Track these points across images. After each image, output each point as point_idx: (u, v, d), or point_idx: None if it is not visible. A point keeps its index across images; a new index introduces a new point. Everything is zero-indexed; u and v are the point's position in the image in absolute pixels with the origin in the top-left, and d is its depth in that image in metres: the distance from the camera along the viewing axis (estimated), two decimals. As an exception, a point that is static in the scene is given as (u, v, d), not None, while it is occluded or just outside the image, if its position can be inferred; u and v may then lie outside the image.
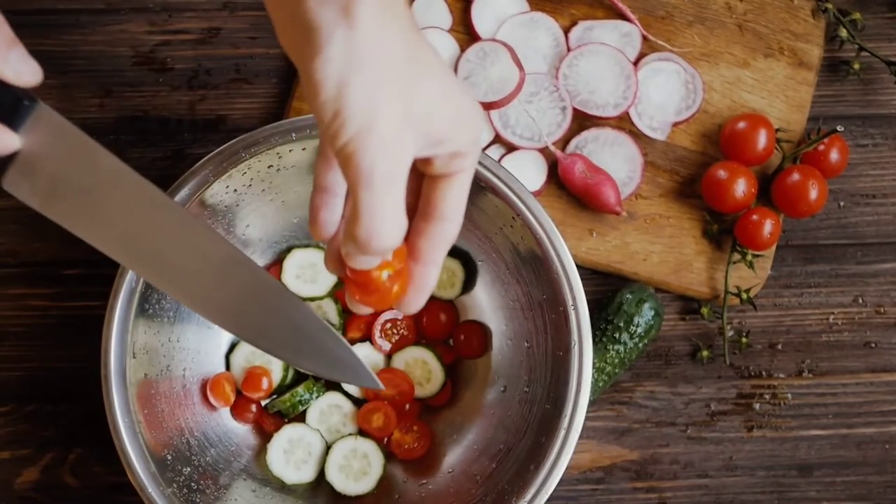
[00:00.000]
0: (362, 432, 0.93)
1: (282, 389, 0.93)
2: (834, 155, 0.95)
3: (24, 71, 0.67)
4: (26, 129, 0.68)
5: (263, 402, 0.93)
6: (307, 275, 0.92)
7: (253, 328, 0.69)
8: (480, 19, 0.97)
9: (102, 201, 0.68)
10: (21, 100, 0.67)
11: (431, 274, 0.66)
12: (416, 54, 0.61)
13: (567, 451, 0.82)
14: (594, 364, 0.93)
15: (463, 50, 0.96)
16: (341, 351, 0.69)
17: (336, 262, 0.66)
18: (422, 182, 0.65)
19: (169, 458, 0.83)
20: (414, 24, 0.62)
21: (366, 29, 0.58)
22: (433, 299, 0.94)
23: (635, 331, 0.94)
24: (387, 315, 0.94)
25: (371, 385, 0.69)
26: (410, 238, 0.65)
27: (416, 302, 0.66)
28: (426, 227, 0.65)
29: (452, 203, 0.65)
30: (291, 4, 0.59)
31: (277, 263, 0.93)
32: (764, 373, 0.98)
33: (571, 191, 0.95)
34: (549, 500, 0.82)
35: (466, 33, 0.97)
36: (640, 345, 0.94)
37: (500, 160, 0.95)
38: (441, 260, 0.66)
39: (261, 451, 0.92)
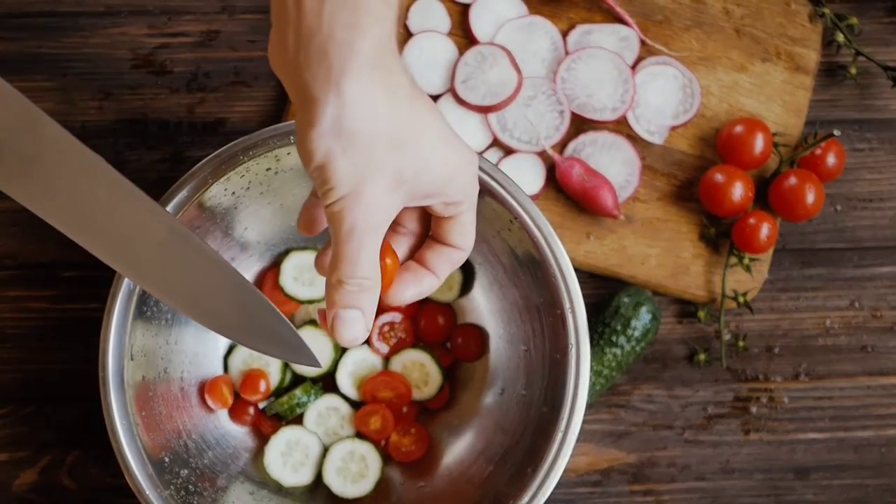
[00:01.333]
0: (360, 435, 0.93)
1: (279, 392, 0.93)
2: (831, 159, 0.96)
3: None
4: None
5: (261, 405, 0.93)
6: (305, 277, 0.93)
7: (193, 302, 0.69)
8: (479, 23, 0.97)
9: (46, 170, 0.67)
10: None
11: (430, 282, 0.70)
12: (407, 114, 0.63)
13: (564, 453, 0.82)
14: (591, 367, 0.93)
15: (461, 53, 0.97)
16: (282, 327, 0.69)
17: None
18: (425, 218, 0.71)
19: (167, 460, 0.83)
20: (406, 78, 0.64)
21: (354, 102, 0.61)
22: (431, 302, 0.95)
23: (632, 334, 0.94)
24: (385, 318, 0.94)
25: (311, 363, 0.70)
26: (422, 250, 0.70)
27: (403, 296, 0.70)
28: (436, 246, 0.70)
29: (458, 237, 0.69)
30: (292, 75, 0.62)
31: (275, 266, 0.93)
32: (761, 376, 0.98)
33: (569, 194, 0.95)
34: (546, 502, 0.82)
35: (465, 37, 0.98)
36: (638, 348, 0.95)
37: (497, 163, 0.96)
38: (444, 276, 0.71)
39: (258, 453, 0.92)
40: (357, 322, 0.66)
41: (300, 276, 0.93)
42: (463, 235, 0.69)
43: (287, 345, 0.69)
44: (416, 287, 0.70)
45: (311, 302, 0.93)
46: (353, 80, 0.61)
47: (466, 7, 0.98)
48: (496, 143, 0.96)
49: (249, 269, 0.93)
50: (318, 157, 0.62)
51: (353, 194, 0.62)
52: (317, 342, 0.92)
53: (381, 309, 0.91)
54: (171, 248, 0.68)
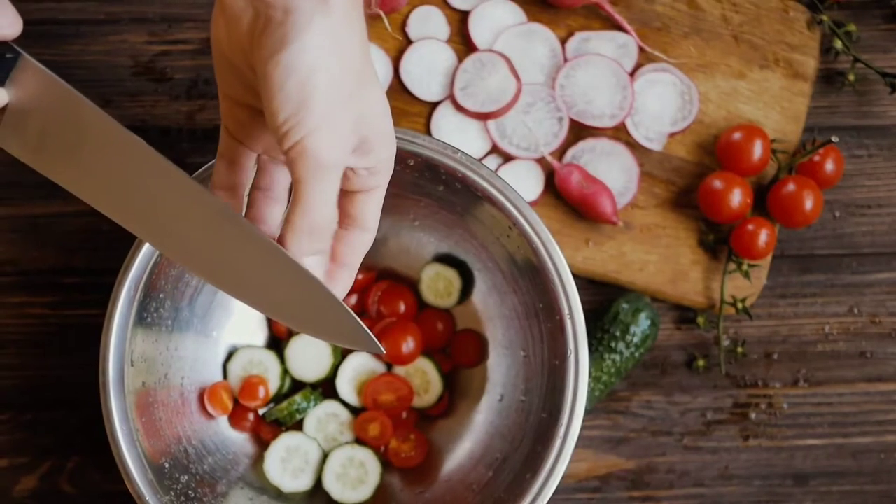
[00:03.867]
0: (359, 441, 0.93)
1: (279, 398, 0.93)
2: (829, 165, 0.96)
3: (1, 24, 0.65)
4: (12, 82, 0.66)
5: (261, 411, 0.94)
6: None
7: (246, 287, 0.66)
8: (478, 30, 0.98)
9: (89, 155, 0.66)
10: (3, 53, 0.65)
11: (347, 275, 0.68)
12: (367, 61, 0.62)
13: (563, 460, 0.82)
14: (590, 373, 0.93)
15: (461, 61, 0.97)
16: (337, 311, 0.65)
17: None
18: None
19: (167, 466, 0.84)
20: (366, 31, 0.63)
21: (338, 22, 0.59)
22: (430, 308, 0.95)
23: (631, 340, 0.94)
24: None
25: (371, 350, 0.66)
26: (332, 243, 0.67)
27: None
28: (345, 234, 0.67)
29: (369, 215, 0.67)
30: None
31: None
32: (760, 382, 0.98)
33: (568, 201, 0.96)
34: (545, 508, 0.83)
35: (464, 44, 0.98)
36: (637, 354, 0.95)
37: (497, 170, 0.96)
38: (357, 265, 0.68)
39: (258, 459, 0.92)
40: (320, 265, 0.64)
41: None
42: (374, 213, 0.67)
43: (344, 330, 0.65)
44: (338, 283, 0.67)
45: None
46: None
47: (465, 14, 0.98)
48: (495, 149, 0.97)
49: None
50: (299, 74, 0.59)
51: (329, 123, 0.60)
52: (317, 349, 0.93)
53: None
54: (219, 231, 0.65)
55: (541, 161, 0.96)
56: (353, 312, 0.64)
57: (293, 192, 0.62)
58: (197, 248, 0.65)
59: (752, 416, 0.98)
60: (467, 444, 0.92)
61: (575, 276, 0.85)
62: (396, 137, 0.67)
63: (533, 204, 0.96)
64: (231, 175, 0.68)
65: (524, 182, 0.96)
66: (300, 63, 0.59)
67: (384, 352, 0.66)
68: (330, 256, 0.67)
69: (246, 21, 0.61)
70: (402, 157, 0.82)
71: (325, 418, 0.93)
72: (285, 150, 0.61)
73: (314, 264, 0.64)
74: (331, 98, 0.60)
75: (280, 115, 0.60)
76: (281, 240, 0.63)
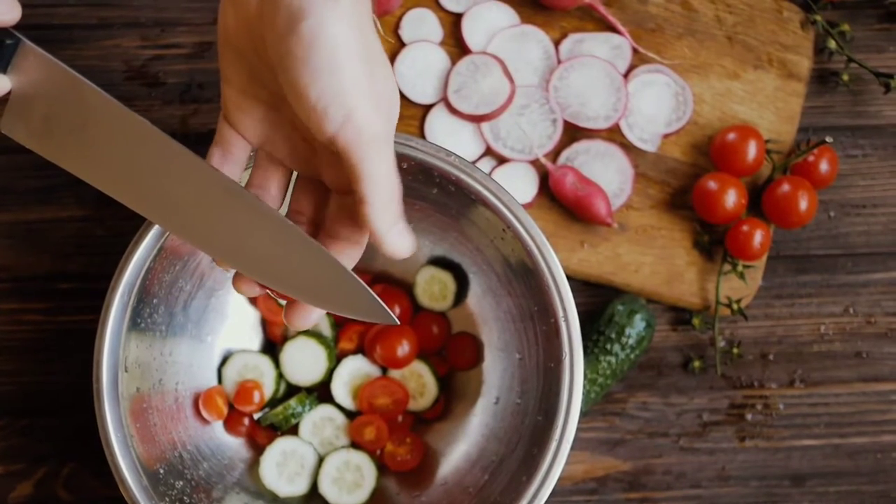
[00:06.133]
0: (355, 444, 0.93)
1: (274, 402, 0.93)
2: (824, 166, 0.96)
3: (1, 10, 0.64)
4: (14, 68, 0.65)
5: (256, 416, 0.93)
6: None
7: (259, 264, 0.65)
8: (471, 33, 0.98)
9: (95, 138, 0.65)
10: (3, 39, 0.64)
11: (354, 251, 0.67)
12: (378, 42, 0.62)
13: (559, 462, 0.82)
14: (586, 375, 0.93)
15: (454, 63, 0.97)
16: (349, 283, 0.64)
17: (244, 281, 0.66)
18: (320, 197, 0.67)
19: (162, 471, 0.83)
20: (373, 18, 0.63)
21: (349, 1, 0.59)
22: (425, 311, 0.95)
23: (627, 342, 0.94)
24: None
25: (386, 321, 0.65)
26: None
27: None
28: (334, 244, 0.66)
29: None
30: None
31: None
32: (756, 383, 0.98)
33: (563, 203, 0.96)
34: (541, 511, 0.82)
35: (458, 46, 0.98)
36: (632, 356, 0.95)
37: (491, 172, 0.96)
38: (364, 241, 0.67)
39: (254, 464, 0.92)
40: (406, 230, 0.63)
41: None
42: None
43: (358, 302, 0.64)
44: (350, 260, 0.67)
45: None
46: None
47: (459, 16, 0.98)
48: (489, 152, 0.97)
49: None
50: (325, 48, 0.58)
51: (369, 96, 0.59)
52: (312, 353, 0.92)
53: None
54: (230, 208, 0.64)
55: (535, 163, 0.96)
56: (366, 285, 0.63)
57: (351, 173, 0.61)
58: (208, 227, 0.64)
59: (749, 416, 0.98)
60: (463, 447, 0.92)
61: (570, 278, 0.85)
62: None
63: (527, 206, 0.96)
64: (223, 164, 0.67)
65: (518, 184, 0.96)
66: (323, 34, 0.58)
67: (398, 322, 0.66)
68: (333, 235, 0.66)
69: (255, 2, 0.61)
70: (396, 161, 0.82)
71: (320, 422, 0.93)
72: (330, 134, 0.60)
73: (405, 228, 0.63)
74: (360, 70, 0.59)
75: (311, 92, 0.59)
76: (360, 223, 0.62)
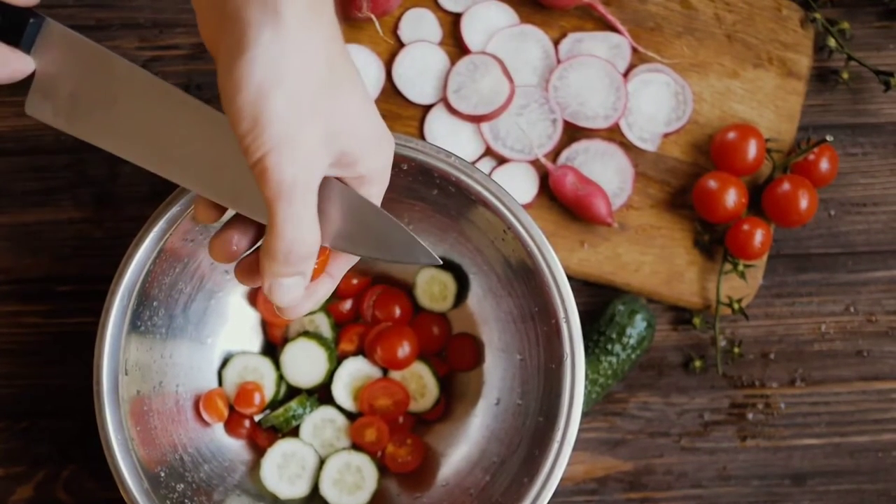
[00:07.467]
0: (356, 446, 0.93)
1: (275, 404, 0.93)
2: (824, 164, 0.96)
3: None
4: (38, 48, 0.64)
5: (257, 418, 0.93)
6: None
7: None
8: (470, 32, 0.97)
9: (123, 110, 0.64)
10: (27, 19, 0.63)
11: (327, 285, 0.66)
12: (338, 66, 0.59)
13: (561, 463, 0.82)
14: (587, 376, 0.93)
15: (453, 63, 0.97)
16: (390, 227, 0.64)
17: (245, 272, 0.65)
18: None
19: (162, 474, 0.83)
20: (339, 32, 0.60)
21: (293, 31, 0.56)
22: (425, 312, 0.95)
23: (628, 342, 0.94)
24: (379, 328, 0.94)
25: (429, 261, 0.64)
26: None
27: (302, 307, 0.65)
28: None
29: None
30: (220, 2, 0.57)
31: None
32: (757, 382, 0.98)
33: (563, 202, 0.95)
34: (543, 512, 0.82)
35: (457, 46, 0.98)
36: (633, 356, 0.95)
37: (490, 173, 0.96)
38: (340, 276, 0.66)
39: (255, 466, 0.92)
40: (298, 286, 0.60)
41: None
42: None
43: (398, 244, 0.63)
44: (313, 297, 0.65)
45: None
46: (292, 5, 0.56)
47: (458, 16, 0.98)
48: (489, 152, 0.96)
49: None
50: (250, 90, 0.55)
51: (289, 141, 0.56)
52: (312, 355, 0.92)
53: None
54: None
55: (535, 163, 0.96)
56: (409, 230, 0.62)
57: (269, 212, 0.59)
58: (243, 190, 0.63)
59: (750, 416, 0.97)
60: (464, 448, 0.92)
61: (570, 277, 0.85)
62: None
63: (527, 206, 0.96)
64: None
65: (518, 184, 0.95)
66: (249, 79, 0.56)
67: (440, 262, 0.65)
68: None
69: (212, 23, 0.59)
70: (395, 162, 0.81)
71: (321, 424, 0.93)
72: (250, 166, 0.58)
73: (294, 284, 0.61)
74: (287, 115, 0.56)
75: (238, 128, 0.57)
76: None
